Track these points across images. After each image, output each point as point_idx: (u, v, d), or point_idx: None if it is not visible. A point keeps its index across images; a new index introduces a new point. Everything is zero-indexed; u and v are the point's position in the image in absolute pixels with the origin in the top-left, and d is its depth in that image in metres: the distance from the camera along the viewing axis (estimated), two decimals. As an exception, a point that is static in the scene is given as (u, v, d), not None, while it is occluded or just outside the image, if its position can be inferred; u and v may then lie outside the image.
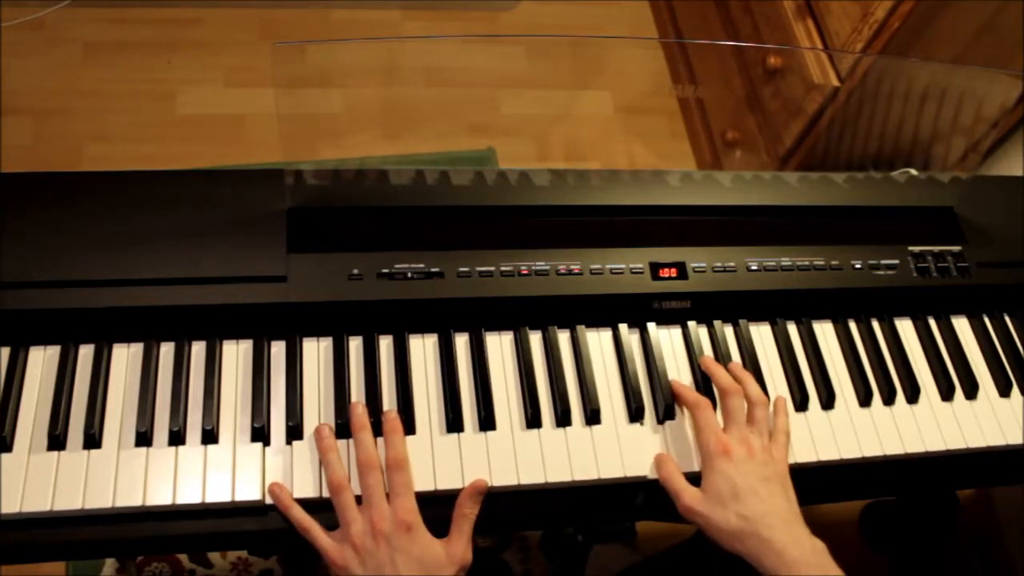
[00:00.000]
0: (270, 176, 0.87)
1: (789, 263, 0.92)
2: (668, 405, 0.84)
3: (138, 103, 1.90)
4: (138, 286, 0.79)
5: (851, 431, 0.86)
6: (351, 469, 0.76)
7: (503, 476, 0.78)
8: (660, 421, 0.84)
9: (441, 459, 0.78)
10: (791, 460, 0.82)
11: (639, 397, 0.84)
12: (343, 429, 0.78)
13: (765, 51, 1.67)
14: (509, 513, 0.79)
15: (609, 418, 0.83)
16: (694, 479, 0.80)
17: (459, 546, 0.73)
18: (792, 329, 0.93)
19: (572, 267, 0.87)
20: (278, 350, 0.82)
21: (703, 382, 0.87)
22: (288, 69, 0.78)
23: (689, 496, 0.77)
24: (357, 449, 0.76)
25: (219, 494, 0.74)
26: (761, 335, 0.92)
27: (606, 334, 0.88)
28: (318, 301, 0.82)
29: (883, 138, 1.45)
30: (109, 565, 1.28)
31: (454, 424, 0.80)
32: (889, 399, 0.89)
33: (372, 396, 0.81)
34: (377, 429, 0.78)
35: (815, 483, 0.84)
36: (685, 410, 0.85)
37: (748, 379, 0.85)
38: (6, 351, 0.78)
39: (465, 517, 0.75)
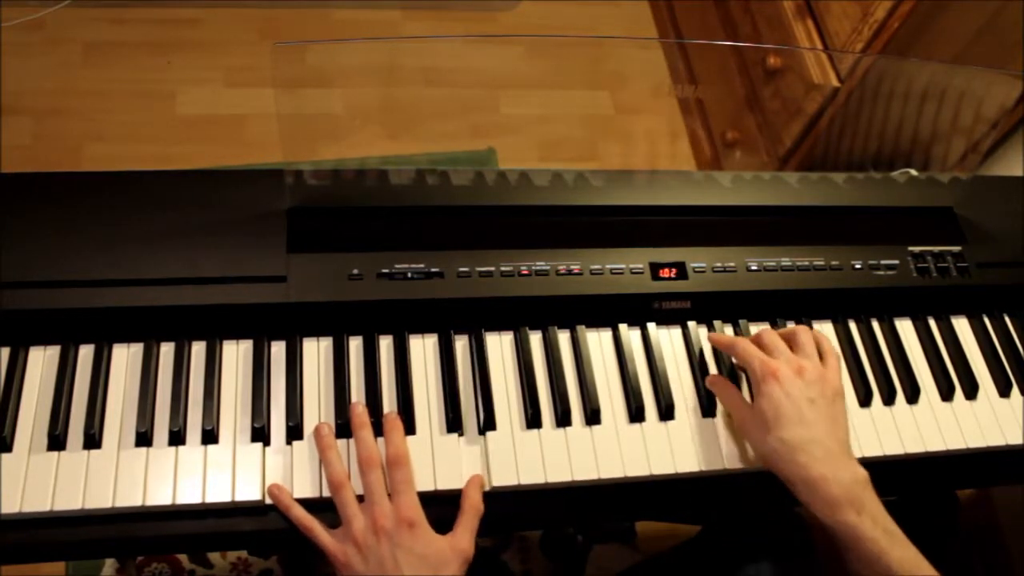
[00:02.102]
0: (270, 176, 0.87)
1: (789, 263, 0.92)
2: (668, 405, 0.84)
3: (138, 103, 1.90)
4: (138, 286, 0.79)
5: (851, 431, 0.86)
6: (351, 468, 0.76)
7: (503, 476, 0.78)
8: (661, 421, 0.84)
9: (441, 459, 0.78)
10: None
11: (639, 397, 0.84)
12: (343, 429, 0.78)
13: (765, 51, 1.67)
14: (509, 513, 0.79)
15: (609, 418, 0.83)
16: (696, 477, 0.81)
17: (464, 539, 0.73)
18: (792, 329, 0.93)
19: (572, 267, 0.87)
20: (278, 350, 0.82)
21: (702, 383, 0.87)
22: (288, 69, 0.78)
23: (739, 417, 0.80)
24: (358, 446, 0.76)
25: (219, 494, 0.74)
26: (761, 335, 0.92)
27: (606, 334, 0.88)
28: (318, 301, 0.82)
29: (883, 138, 1.45)
30: (109, 565, 1.28)
31: (454, 424, 0.80)
32: (889, 399, 0.89)
33: (372, 396, 0.81)
34: (377, 430, 0.78)
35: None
36: (686, 411, 0.85)
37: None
38: (6, 351, 0.78)
39: (473, 509, 0.75)
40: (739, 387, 0.85)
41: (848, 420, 0.79)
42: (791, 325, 0.91)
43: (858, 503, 0.72)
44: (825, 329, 0.93)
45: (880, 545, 0.70)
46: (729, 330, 0.91)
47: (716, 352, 0.89)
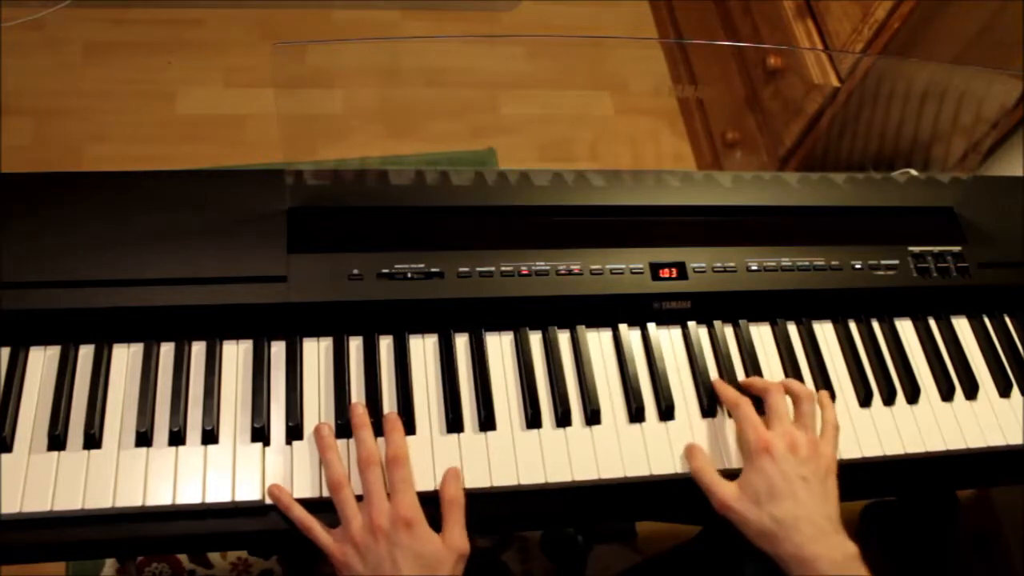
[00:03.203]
0: (270, 176, 0.87)
1: (789, 263, 0.92)
2: (668, 406, 0.84)
3: (138, 103, 1.90)
4: (138, 286, 0.79)
5: (851, 431, 0.86)
6: (351, 468, 0.76)
7: (503, 476, 0.78)
8: (661, 421, 0.84)
9: (441, 459, 0.78)
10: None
11: (639, 397, 0.84)
12: (343, 429, 0.78)
13: (765, 51, 1.67)
14: (509, 513, 0.79)
15: (609, 418, 0.83)
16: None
17: (454, 535, 0.73)
18: (792, 329, 0.93)
19: (572, 267, 0.87)
20: (278, 350, 0.82)
21: (702, 384, 0.87)
22: (288, 69, 0.78)
23: (723, 492, 0.76)
24: (358, 446, 0.76)
25: (219, 494, 0.74)
26: (761, 335, 0.92)
27: (606, 334, 0.88)
28: (318, 301, 0.82)
29: (883, 138, 1.46)
30: (109, 565, 1.28)
31: (454, 424, 0.80)
32: (889, 399, 0.89)
33: (372, 396, 0.81)
34: (377, 430, 0.78)
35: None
36: (686, 411, 0.85)
37: (790, 380, 0.85)
38: (6, 351, 0.78)
39: (453, 503, 0.74)
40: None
41: (838, 495, 0.77)
42: (808, 384, 0.89)
43: None
44: (825, 329, 0.93)
45: None
46: (730, 331, 0.91)
47: (716, 353, 0.89)
